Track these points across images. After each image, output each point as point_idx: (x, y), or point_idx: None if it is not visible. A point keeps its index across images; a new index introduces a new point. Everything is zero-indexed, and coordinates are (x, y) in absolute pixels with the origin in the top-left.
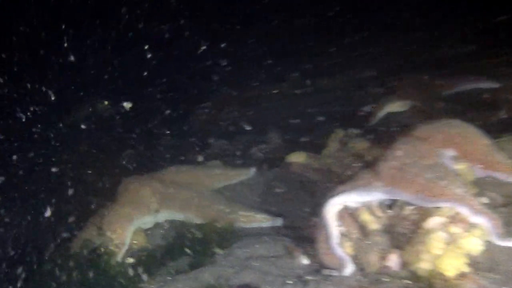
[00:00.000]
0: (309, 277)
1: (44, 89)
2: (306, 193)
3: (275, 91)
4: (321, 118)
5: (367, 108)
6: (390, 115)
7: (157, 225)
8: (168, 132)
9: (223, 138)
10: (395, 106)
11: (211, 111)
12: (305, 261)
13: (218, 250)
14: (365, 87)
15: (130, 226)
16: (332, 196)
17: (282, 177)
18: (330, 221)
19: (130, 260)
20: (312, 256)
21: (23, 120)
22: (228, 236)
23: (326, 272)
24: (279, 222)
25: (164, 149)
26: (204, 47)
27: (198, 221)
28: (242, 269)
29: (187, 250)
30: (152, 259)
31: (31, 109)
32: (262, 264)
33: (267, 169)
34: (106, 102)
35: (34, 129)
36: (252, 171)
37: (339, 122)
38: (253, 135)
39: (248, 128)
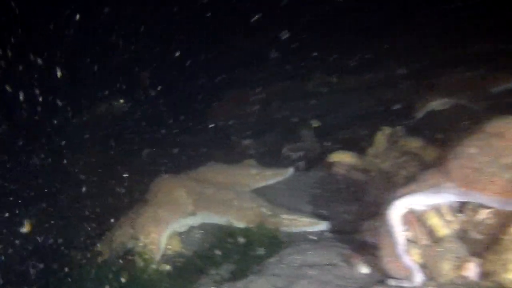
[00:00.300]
0: None
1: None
2: (351, 195)
3: (299, 89)
4: (353, 117)
5: (400, 106)
6: (432, 113)
7: (191, 229)
8: (188, 130)
9: (248, 137)
10: (438, 104)
11: (232, 110)
12: (364, 269)
13: (265, 257)
14: (396, 85)
15: (165, 229)
16: (396, 198)
17: (323, 178)
18: (395, 225)
19: (166, 267)
20: (372, 264)
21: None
22: (274, 241)
23: (391, 282)
24: (324, 226)
25: (186, 148)
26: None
27: (239, 224)
28: (297, 279)
29: (229, 257)
30: (190, 266)
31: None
32: (318, 272)
33: (305, 169)
34: (121, 100)
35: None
36: (290, 171)
37: (372, 121)
38: (281, 133)
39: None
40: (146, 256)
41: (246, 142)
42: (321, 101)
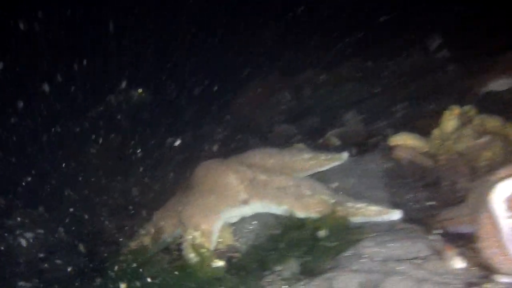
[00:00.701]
0: (488, 286)
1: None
2: (419, 181)
3: (332, 76)
4: (398, 100)
5: (453, 88)
6: (491, 94)
7: (243, 220)
8: (213, 119)
9: (282, 123)
10: (497, 84)
11: (259, 98)
12: (459, 263)
13: (337, 250)
14: (443, 67)
15: (217, 220)
16: (497, 181)
17: (383, 163)
18: (498, 212)
19: (219, 263)
20: (468, 257)
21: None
22: (344, 233)
23: (502, 278)
24: (397, 215)
25: (213, 137)
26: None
27: (299, 214)
28: (386, 275)
29: (293, 250)
30: (249, 262)
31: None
32: (408, 268)
33: (358, 154)
34: (140, 90)
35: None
36: (345, 155)
37: (422, 104)
38: (320, 119)
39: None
40: (201, 251)
41: (281, 128)
42: (358, 86)
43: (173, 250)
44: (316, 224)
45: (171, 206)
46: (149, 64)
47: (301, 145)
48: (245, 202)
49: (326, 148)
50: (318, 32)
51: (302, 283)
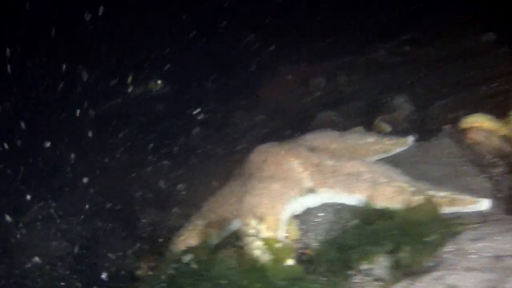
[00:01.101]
0: None
1: None
2: (500, 168)
3: (368, 61)
4: (447, 85)
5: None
6: None
7: (308, 211)
8: (244, 108)
9: (322, 110)
10: None
11: (290, 85)
12: None
13: (434, 245)
14: (489, 52)
15: (283, 211)
16: None
17: (453, 148)
18: None
19: (289, 261)
20: None
21: None
22: (435, 225)
23: None
24: (485, 205)
25: (243, 127)
26: None
27: (375, 204)
28: (508, 274)
29: (379, 246)
30: (326, 261)
31: None
32: None
33: (422, 139)
34: (159, 82)
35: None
36: (411, 139)
37: (473, 89)
38: (366, 104)
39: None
40: (274, 247)
41: (323, 114)
42: (399, 71)
43: (227, 245)
44: (399, 215)
45: (223, 196)
46: (177, 54)
47: (360, 128)
48: (311, 190)
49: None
50: (350, 16)
51: (403, 284)
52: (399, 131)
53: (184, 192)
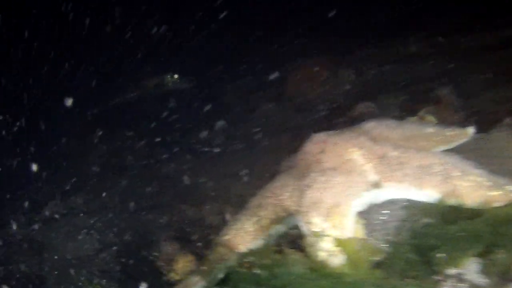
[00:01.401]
0: None
1: None
2: None
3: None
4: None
5: None
6: None
7: (371, 208)
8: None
9: (361, 100)
10: None
11: (316, 78)
12: None
13: None
14: None
15: (352, 208)
16: None
17: None
18: None
19: (366, 265)
20: None
21: None
22: None
23: None
24: None
25: (270, 120)
26: None
27: (448, 200)
28: None
29: (464, 248)
30: (404, 264)
31: None
32: None
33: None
34: (175, 76)
35: None
36: (471, 131)
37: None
38: (402, 95)
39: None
40: (349, 248)
41: (362, 105)
42: (432, 63)
43: (280, 246)
44: (478, 213)
45: (273, 191)
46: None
47: (414, 119)
48: (376, 185)
49: None
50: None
51: None
52: (448, 123)
53: (213, 189)
